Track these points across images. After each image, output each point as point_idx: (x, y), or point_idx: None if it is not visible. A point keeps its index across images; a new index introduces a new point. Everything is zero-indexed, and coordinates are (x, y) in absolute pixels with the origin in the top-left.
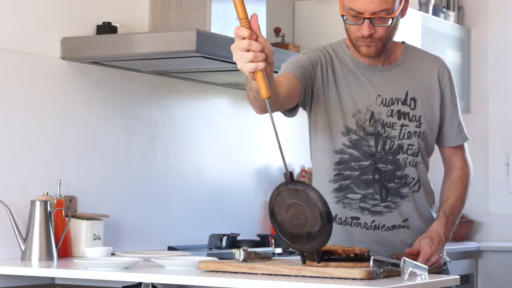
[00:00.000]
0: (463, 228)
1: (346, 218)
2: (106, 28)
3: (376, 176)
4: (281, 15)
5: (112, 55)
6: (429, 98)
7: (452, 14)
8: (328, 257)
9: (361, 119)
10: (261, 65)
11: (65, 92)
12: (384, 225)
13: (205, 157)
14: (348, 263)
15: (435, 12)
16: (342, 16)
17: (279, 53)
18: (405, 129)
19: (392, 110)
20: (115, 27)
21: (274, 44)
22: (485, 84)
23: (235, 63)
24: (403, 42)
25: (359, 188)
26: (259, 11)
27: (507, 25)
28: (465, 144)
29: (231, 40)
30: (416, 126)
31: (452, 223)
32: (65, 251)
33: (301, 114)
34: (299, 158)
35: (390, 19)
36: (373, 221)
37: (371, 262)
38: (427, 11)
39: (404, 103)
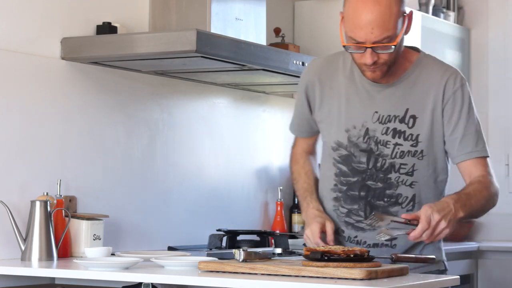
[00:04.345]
0: (463, 228)
1: (337, 228)
2: (106, 28)
3: (362, 193)
4: (281, 15)
5: (112, 55)
6: (433, 115)
7: (452, 14)
8: (328, 257)
9: (354, 134)
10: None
11: (65, 92)
12: (365, 242)
13: (205, 157)
14: (348, 263)
15: (435, 12)
16: (344, 46)
17: (279, 53)
18: (398, 148)
19: (388, 128)
20: (115, 27)
21: (274, 44)
22: (485, 84)
23: (235, 63)
24: (418, 50)
25: (346, 203)
26: (259, 11)
27: (507, 25)
28: (487, 161)
29: (231, 40)
30: (412, 145)
31: (465, 203)
32: (65, 251)
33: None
34: None
35: (393, 46)
36: (356, 237)
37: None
38: (427, 11)
39: (402, 121)
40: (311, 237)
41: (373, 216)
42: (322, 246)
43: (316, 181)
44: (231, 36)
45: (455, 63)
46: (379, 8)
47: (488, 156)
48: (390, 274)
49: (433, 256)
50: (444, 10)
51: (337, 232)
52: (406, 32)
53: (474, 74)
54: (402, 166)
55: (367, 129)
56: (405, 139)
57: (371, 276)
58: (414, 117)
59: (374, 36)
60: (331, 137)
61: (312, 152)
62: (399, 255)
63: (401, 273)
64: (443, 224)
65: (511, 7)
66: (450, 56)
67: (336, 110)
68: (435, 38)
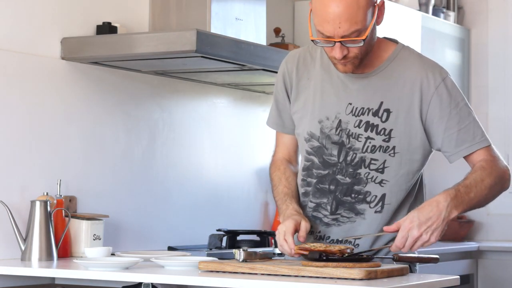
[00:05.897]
0: (463, 228)
1: (312, 230)
2: (106, 28)
3: (332, 187)
4: (281, 15)
5: (112, 55)
6: (410, 111)
7: (452, 14)
8: (326, 257)
9: (327, 126)
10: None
11: (65, 92)
12: (329, 237)
13: (205, 157)
14: (348, 263)
15: (435, 12)
16: (312, 40)
17: (279, 53)
18: (370, 142)
19: (361, 121)
20: (115, 27)
21: (274, 44)
22: (485, 84)
23: (235, 63)
24: (396, 42)
25: (315, 196)
26: (259, 11)
27: (507, 25)
28: (490, 148)
29: (231, 40)
30: (384, 141)
31: (463, 198)
32: (65, 251)
33: None
34: None
35: (362, 41)
36: (319, 232)
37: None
38: (427, 11)
39: (375, 114)
40: (282, 233)
41: (350, 237)
42: (313, 245)
43: (297, 187)
44: (231, 36)
45: (455, 63)
46: (345, 1)
47: (489, 145)
48: (389, 274)
49: (437, 256)
50: (444, 10)
51: (311, 233)
52: (378, 23)
53: (474, 74)
54: (372, 162)
55: (340, 121)
56: (378, 133)
57: (370, 276)
58: (388, 111)
59: (342, 31)
60: (305, 127)
61: (293, 161)
62: (401, 255)
63: (401, 273)
64: (424, 237)
65: (511, 7)
66: (450, 56)
67: (311, 100)
68: (435, 38)
